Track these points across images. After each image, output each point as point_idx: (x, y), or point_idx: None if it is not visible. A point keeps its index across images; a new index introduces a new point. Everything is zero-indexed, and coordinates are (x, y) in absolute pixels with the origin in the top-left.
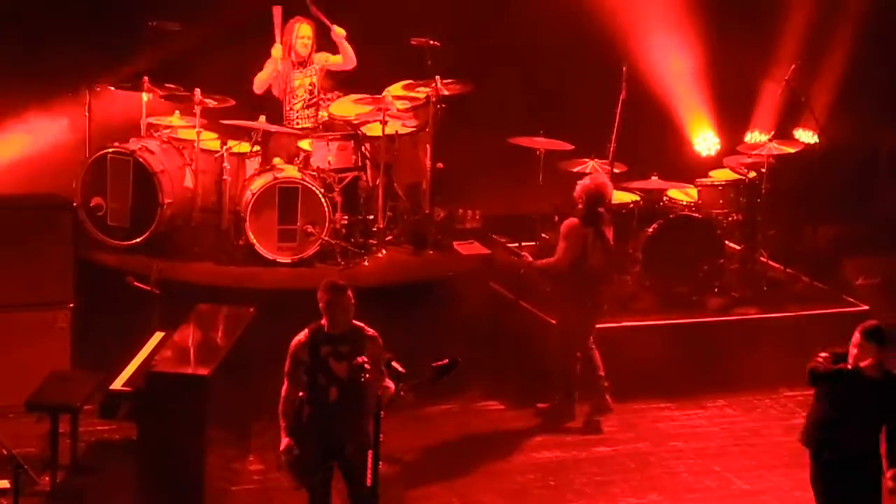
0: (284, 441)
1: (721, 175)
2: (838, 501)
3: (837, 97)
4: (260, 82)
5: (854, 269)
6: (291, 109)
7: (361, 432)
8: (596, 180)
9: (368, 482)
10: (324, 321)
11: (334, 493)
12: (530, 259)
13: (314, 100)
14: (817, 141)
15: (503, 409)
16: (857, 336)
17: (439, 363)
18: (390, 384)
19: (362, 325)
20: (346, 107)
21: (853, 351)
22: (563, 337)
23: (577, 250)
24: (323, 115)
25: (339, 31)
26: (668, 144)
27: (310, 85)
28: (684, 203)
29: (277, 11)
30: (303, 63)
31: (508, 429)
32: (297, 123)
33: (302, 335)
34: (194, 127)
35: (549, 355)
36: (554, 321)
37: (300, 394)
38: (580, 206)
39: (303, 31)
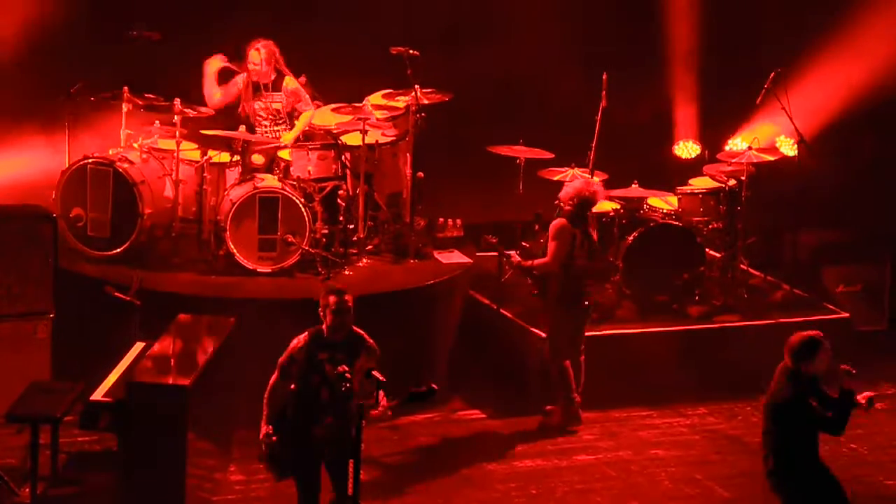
0: (264, 428)
1: (701, 183)
2: None
3: (817, 105)
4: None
5: (834, 277)
6: (257, 131)
7: (344, 436)
8: (590, 184)
9: (350, 491)
10: (324, 326)
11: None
12: (519, 259)
13: (281, 120)
14: (797, 149)
15: (484, 418)
16: None
17: (417, 389)
18: (383, 401)
19: (363, 333)
20: (326, 116)
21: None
22: (553, 340)
23: (565, 250)
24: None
25: (288, 84)
26: (649, 153)
27: (274, 111)
28: (665, 211)
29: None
30: (267, 87)
31: (489, 437)
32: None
33: (301, 338)
34: (174, 137)
35: (542, 361)
36: (536, 330)
37: (291, 387)
38: (568, 207)
39: (252, 56)
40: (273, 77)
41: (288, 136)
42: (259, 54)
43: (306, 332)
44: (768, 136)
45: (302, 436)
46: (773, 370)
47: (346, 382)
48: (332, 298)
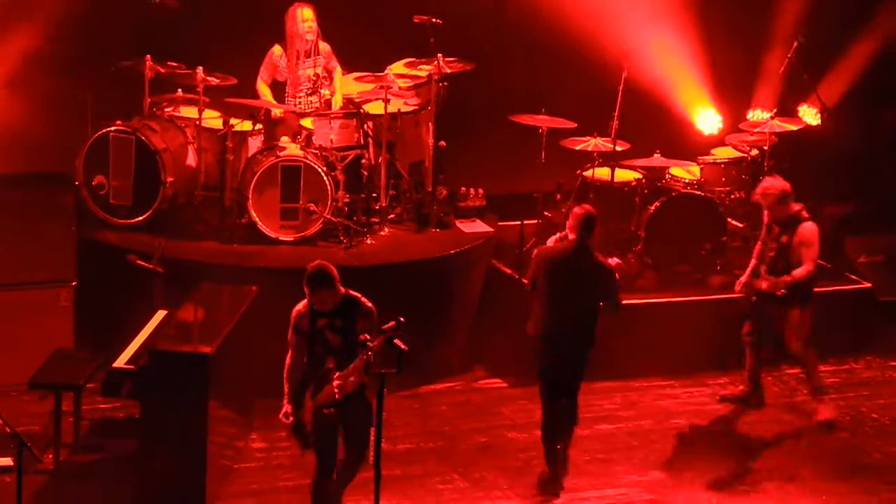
0: (284, 407)
1: (723, 153)
2: None
3: (840, 74)
4: (261, 91)
5: (857, 248)
6: (294, 96)
7: (360, 405)
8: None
9: (371, 459)
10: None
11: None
12: (777, 280)
13: (314, 88)
14: (820, 118)
15: (505, 387)
16: None
17: (387, 325)
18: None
19: (358, 296)
20: (349, 85)
21: None
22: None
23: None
24: (325, 93)
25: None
26: (671, 122)
27: (314, 75)
28: (687, 181)
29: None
30: (308, 52)
31: (510, 406)
32: (302, 109)
33: (301, 305)
34: (196, 105)
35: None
36: None
37: (304, 360)
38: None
39: (305, 14)
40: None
41: (338, 97)
42: (313, 17)
43: (305, 300)
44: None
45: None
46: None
47: (368, 351)
48: (307, 286)
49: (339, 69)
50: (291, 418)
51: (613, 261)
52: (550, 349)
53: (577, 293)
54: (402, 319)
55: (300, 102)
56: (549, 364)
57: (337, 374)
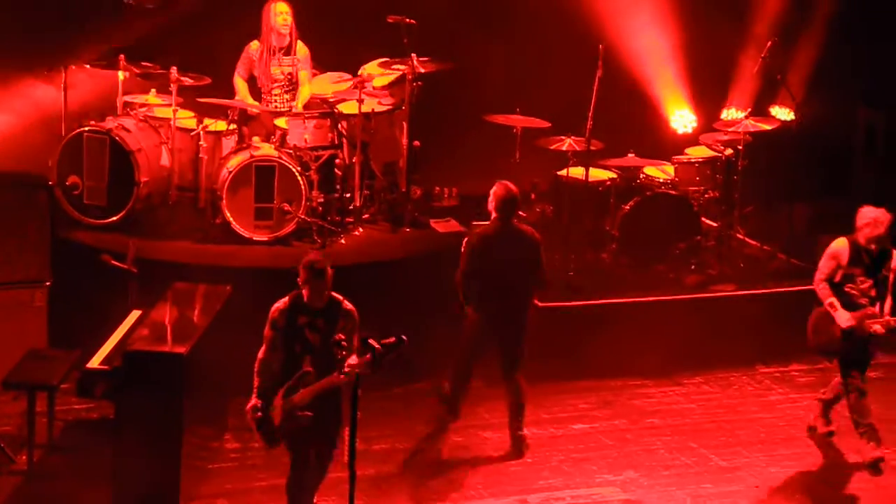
0: (252, 401)
1: (698, 152)
2: None
3: (813, 74)
4: (237, 85)
5: None
6: (269, 93)
7: (332, 404)
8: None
9: (346, 459)
10: (303, 292)
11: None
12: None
13: (292, 87)
14: (794, 118)
15: (480, 387)
16: None
17: (387, 340)
18: (354, 360)
19: (341, 298)
20: (323, 85)
21: None
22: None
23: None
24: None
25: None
26: (645, 122)
27: (289, 73)
28: (661, 180)
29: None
30: (283, 48)
31: (484, 406)
32: (275, 107)
33: (282, 302)
34: (170, 105)
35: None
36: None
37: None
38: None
39: (280, 8)
40: (289, 40)
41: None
42: (288, 11)
43: (286, 297)
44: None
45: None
46: (768, 340)
47: (342, 350)
48: (308, 273)
49: (307, 73)
50: (259, 414)
51: None
52: (491, 325)
53: (509, 269)
54: (404, 338)
55: (274, 99)
56: (488, 337)
57: (346, 365)
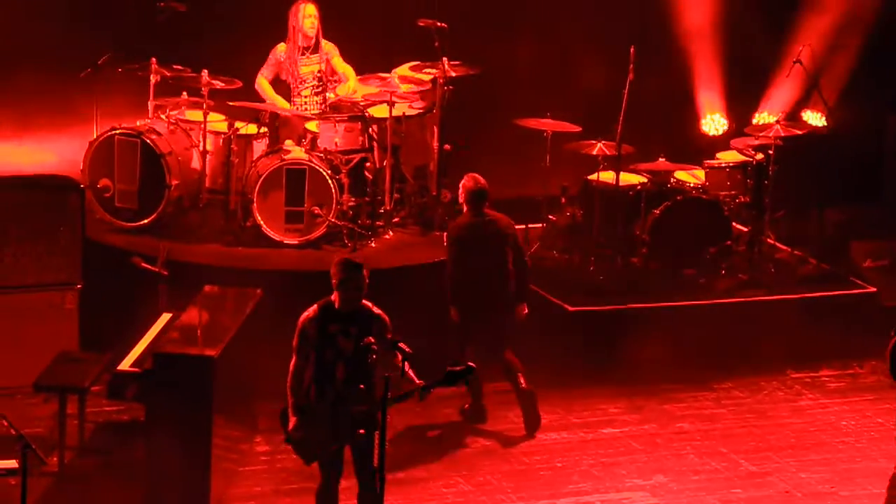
0: (291, 420)
1: (728, 157)
2: None
3: (846, 79)
4: (262, 86)
5: (862, 252)
6: (299, 95)
7: (368, 412)
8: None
9: (375, 463)
10: (334, 297)
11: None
12: None
13: (321, 87)
14: (825, 123)
15: (510, 391)
16: None
17: (454, 368)
18: (410, 373)
19: (370, 304)
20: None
21: None
22: None
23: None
24: (330, 96)
25: (326, 47)
26: (676, 126)
27: (318, 72)
28: (691, 185)
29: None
30: (310, 48)
31: (515, 410)
32: (306, 110)
33: (311, 310)
34: (202, 108)
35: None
36: (560, 302)
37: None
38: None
39: (308, 10)
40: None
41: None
42: (316, 14)
43: (315, 305)
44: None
45: (321, 417)
46: (799, 345)
47: (372, 354)
48: (345, 271)
49: (349, 69)
50: (301, 433)
51: None
52: (472, 317)
53: (484, 258)
54: (472, 365)
55: (305, 102)
56: (472, 331)
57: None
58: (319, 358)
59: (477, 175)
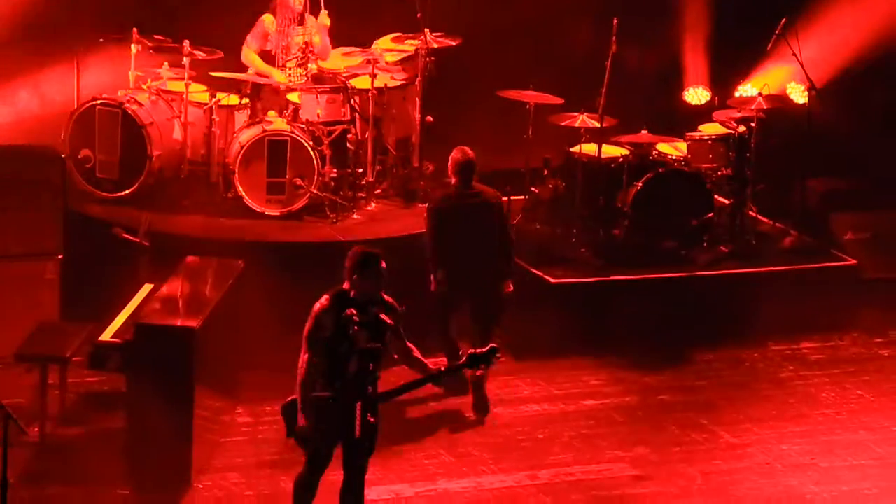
0: (301, 421)
1: (711, 129)
2: None
3: (828, 51)
4: (251, 58)
5: (843, 224)
6: (284, 66)
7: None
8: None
9: (357, 433)
10: (346, 286)
11: None
12: None
13: (305, 59)
14: (807, 95)
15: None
16: None
17: (477, 351)
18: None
19: (390, 298)
20: (336, 60)
21: None
22: None
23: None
24: (312, 67)
25: (324, 21)
26: (659, 99)
27: (304, 43)
28: (674, 157)
29: None
30: (297, 20)
31: (496, 382)
32: (289, 80)
33: (324, 300)
34: (183, 79)
35: None
36: (541, 274)
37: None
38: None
39: None
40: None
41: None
42: None
43: (327, 295)
44: (779, 82)
45: (328, 412)
46: (780, 317)
47: (353, 326)
48: (367, 269)
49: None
50: (310, 431)
51: None
52: (458, 291)
53: (471, 231)
54: (495, 346)
55: (290, 73)
56: (456, 303)
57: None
58: (332, 352)
59: (466, 147)
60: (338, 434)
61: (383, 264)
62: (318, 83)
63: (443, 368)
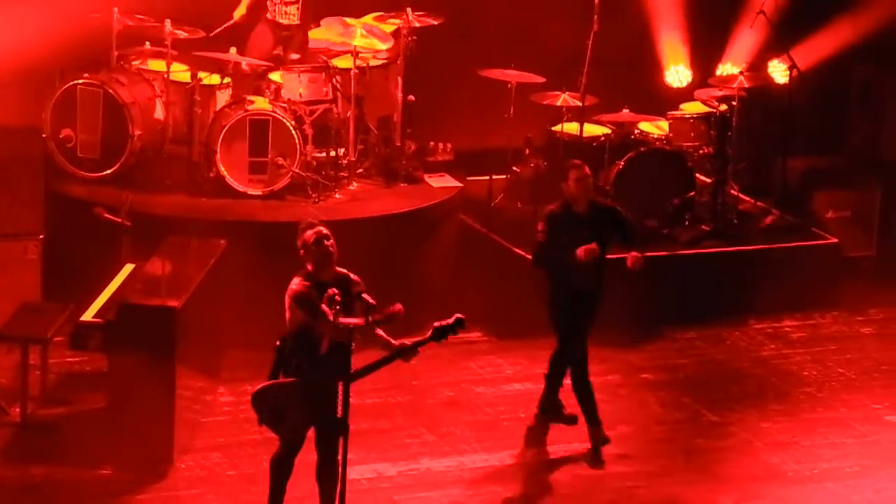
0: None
1: (692, 108)
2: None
3: (809, 29)
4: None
5: (825, 203)
6: (274, 3)
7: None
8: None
9: (339, 413)
10: (310, 268)
11: None
12: None
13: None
14: (789, 74)
15: (473, 342)
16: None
17: (442, 323)
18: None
19: (346, 271)
20: (317, 32)
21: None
22: None
23: None
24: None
25: None
26: (640, 77)
27: None
28: (655, 136)
29: None
30: None
31: (478, 361)
32: (277, 16)
33: (297, 282)
34: (165, 58)
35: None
36: (523, 253)
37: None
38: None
39: None
40: None
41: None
42: None
43: (298, 278)
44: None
45: (299, 394)
46: (761, 295)
47: (336, 305)
48: (309, 234)
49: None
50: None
51: None
52: (577, 305)
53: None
54: (461, 316)
55: (276, 7)
56: (578, 320)
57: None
58: (304, 333)
59: (583, 165)
60: (312, 415)
61: (328, 233)
62: (300, 63)
63: (408, 343)
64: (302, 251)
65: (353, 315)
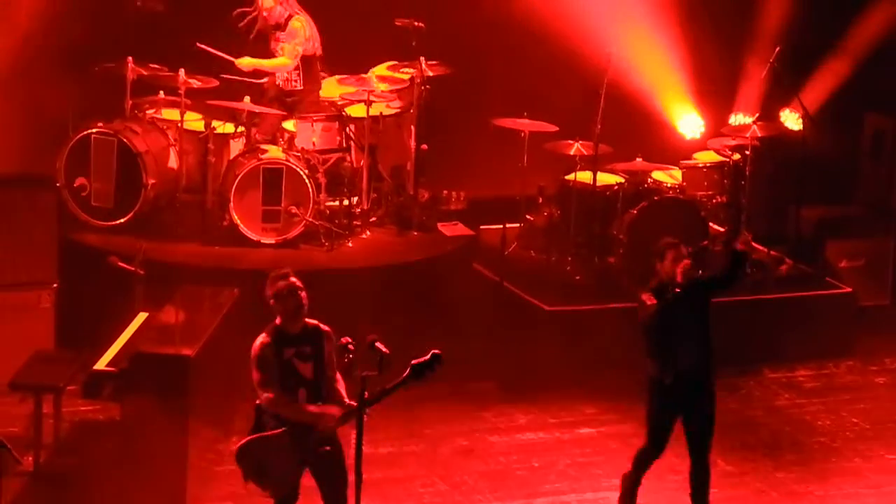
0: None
1: (705, 157)
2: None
3: (821, 80)
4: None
5: (838, 252)
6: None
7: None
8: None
9: (352, 462)
10: (278, 321)
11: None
12: None
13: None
14: (802, 123)
15: (487, 391)
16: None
17: (419, 360)
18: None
19: (315, 321)
20: (331, 87)
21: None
22: None
23: None
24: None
25: (293, 24)
26: (653, 126)
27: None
28: (669, 185)
29: None
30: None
31: (492, 410)
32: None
33: (262, 339)
34: (178, 107)
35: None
36: (537, 302)
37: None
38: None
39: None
40: (284, 17)
41: (245, 61)
42: (272, 3)
43: (264, 333)
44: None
45: (283, 447)
46: (775, 345)
47: (349, 354)
48: (281, 284)
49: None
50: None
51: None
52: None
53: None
54: (437, 352)
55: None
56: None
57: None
58: (283, 386)
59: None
60: (300, 466)
61: (298, 282)
62: (314, 112)
63: (388, 387)
64: (272, 301)
65: (332, 366)
